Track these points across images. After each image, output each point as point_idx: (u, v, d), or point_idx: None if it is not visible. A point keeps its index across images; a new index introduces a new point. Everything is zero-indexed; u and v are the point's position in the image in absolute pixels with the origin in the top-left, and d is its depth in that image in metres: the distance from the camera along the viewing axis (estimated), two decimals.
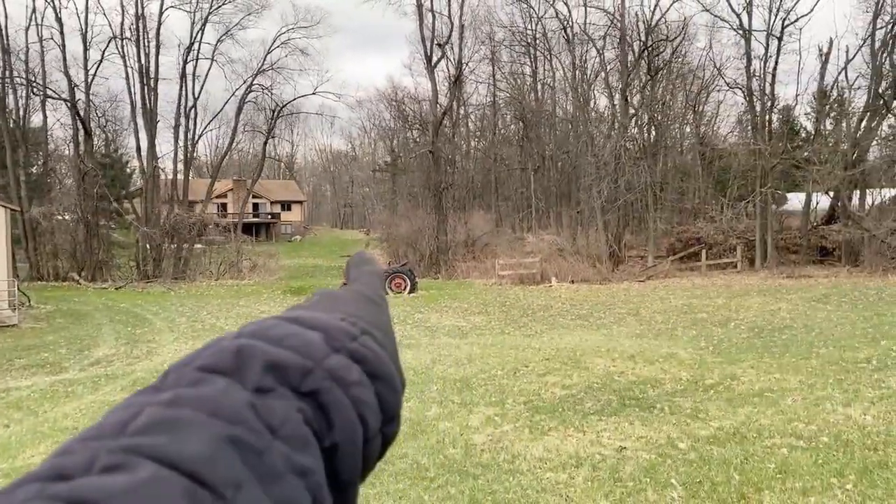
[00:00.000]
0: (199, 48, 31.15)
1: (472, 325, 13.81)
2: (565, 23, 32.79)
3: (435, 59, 32.22)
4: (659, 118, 32.43)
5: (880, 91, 25.38)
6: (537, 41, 37.10)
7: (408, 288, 20.18)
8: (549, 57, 37.48)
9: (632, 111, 30.38)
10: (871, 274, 20.50)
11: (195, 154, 36.25)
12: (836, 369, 7.25)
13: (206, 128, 35.17)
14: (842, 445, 4.64)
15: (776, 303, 14.04)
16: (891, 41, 25.14)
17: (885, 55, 25.51)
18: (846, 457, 4.36)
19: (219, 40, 31.79)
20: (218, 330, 13.33)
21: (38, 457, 5.64)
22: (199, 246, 29.83)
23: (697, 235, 26.14)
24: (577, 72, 33.62)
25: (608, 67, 31.71)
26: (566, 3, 32.05)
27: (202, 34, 31.17)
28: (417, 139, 41.44)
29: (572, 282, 21.98)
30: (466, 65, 35.76)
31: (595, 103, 36.12)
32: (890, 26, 25.17)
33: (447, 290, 21.19)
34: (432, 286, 22.77)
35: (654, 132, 32.45)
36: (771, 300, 14.57)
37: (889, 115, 26.07)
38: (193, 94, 31.15)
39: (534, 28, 36.64)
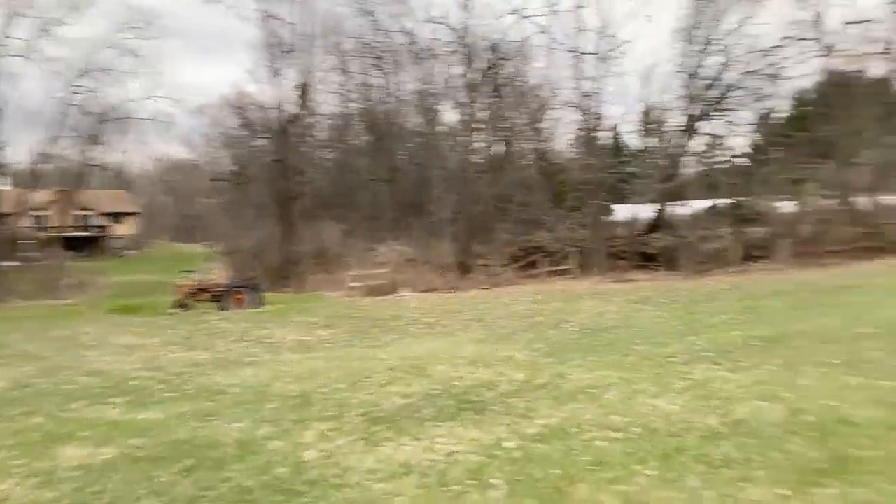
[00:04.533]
0: (9, 44, 28.05)
1: (319, 339, 13.50)
2: (412, 38, 33.38)
3: (281, 66, 31.46)
4: (503, 133, 33.90)
5: (691, 113, 28.38)
6: (386, 54, 37.37)
7: (251, 303, 19.42)
8: (397, 70, 37.89)
9: (477, 126, 31.51)
10: (686, 277, 22.70)
11: (6, 161, 32.54)
12: (650, 364, 7.89)
13: (20, 132, 31.72)
14: (649, 434, 5.02)
15: (605, 305, 15.10)
16: (697, 69, 28.22)
17: (694, 81, 28.58)
18: (651, 444, 4.73)
19: (35, 36, 28.83)
20: (32, 357, 11.93)
21: None
22: (10, 263, 26.73)
23: (538, 244, 27.61)
24: (424, 86, 34.28)
25: (454, 83, 32.65)
26: (413, 19, 32.66)
27: (13, 28, 28.11)
28: (264, 148, 40.12)
29: (422, 291, 22.28)
30: (315, 74, 35.25)
31: (443, 117, 37.04)
32: (698, 56, 28.27)
33: (295, 304, 20.63)
34: (280, 300, 22.07)
35: (498, 147, 33.88)
36: (600, 303, 15.65)
37: (698, 135, 29.21)
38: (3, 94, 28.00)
39: (382, 41, 36.87)
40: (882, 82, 29.30)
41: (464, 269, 26.51)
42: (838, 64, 28.02)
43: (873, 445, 4.34)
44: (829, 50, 27.21)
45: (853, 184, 27.00)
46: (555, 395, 6.75)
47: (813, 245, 24.66)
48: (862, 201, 27.05)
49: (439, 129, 33.95)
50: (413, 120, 39.18)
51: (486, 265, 28.05)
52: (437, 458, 4.90)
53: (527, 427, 5.57)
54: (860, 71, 28.93)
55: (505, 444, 5.08)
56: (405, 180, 37.14)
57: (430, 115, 33.36)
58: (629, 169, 29.87)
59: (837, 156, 26.72)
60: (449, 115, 37.19)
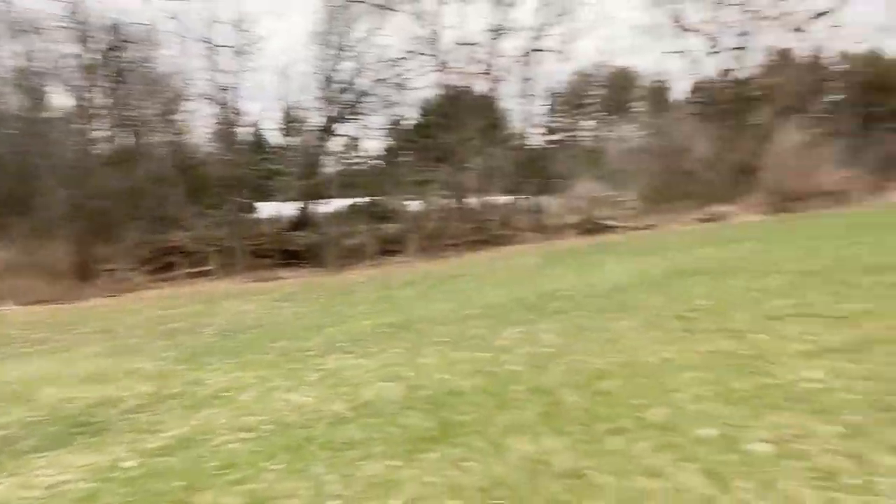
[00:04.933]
0: None
1: None
2: (8, 6, 27.99)
3: None
4: (130, 123, 30.75)
5: (329, 115, 29.69)
6: None
7: None
8: None
9: (97, 113, 28.01)
10: (330, 272, 23.66)
11: None
12: (288, 359, 7.98)
13: None
14: (281, 429, 5.06)
15: (246, 305, 14.82)
16: (332, 72, 29.65)
17: (330, 84, 29.92)
18: (282, 439, 4.76)
19: None
20: None
21: None
22: None
23: (175, 244, 25.81)
24: (27, 63, 29.06)
25: (66, 63, 28.40)
26: None
27: None
28: None
29: (28, 303, 18.92)
30: None
31: (52, 100, 31.92)
32: (333, 60, 29.65)
33: None
34: None
35: (126, 137, 30.67)
36: (242, 303, 15.31)
37: (336, 136, 30.73)
38: None
39: None
40: (485, 98, 34.68)
41: (84, 274, 23.26)
42: (451, 79, 32.29)
43: (473, 410, 5.05)
44: (443, 66, 31.13)
45: (465, 185, 31.39)
46: (187, 404, 6.37)
47: (435, 239, 27.93)
48: (472, 201, 31.61)
49: (48, 114, 29.18)
50: (13, 102, 32.93)
51: (111, 269, 25.05)
52: (36, 494, 4.21)
53: (151, 442, 5.13)
54: (468, 87, 33.80)
55: (123, 464, 4.61)
56: (3, 171, 31.03)
57: (36, 97, 28.44)
58: (271, 166, 29.88)
59: (453, 161, 30.74)
60: (60, 99, 32.25)
